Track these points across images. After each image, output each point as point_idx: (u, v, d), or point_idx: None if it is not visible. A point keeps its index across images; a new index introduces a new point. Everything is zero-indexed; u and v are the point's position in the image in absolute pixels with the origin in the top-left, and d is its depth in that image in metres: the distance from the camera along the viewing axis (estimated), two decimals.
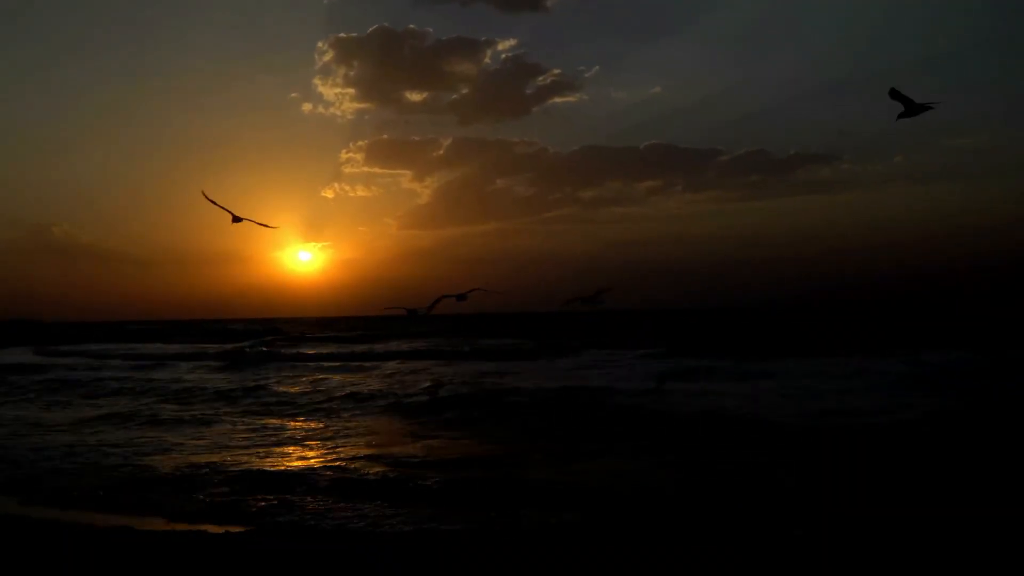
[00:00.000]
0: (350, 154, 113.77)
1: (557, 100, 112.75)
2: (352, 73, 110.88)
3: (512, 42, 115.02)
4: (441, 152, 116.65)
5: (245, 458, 12.31)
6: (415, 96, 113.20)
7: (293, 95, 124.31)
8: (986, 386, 18.86)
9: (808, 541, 7.55)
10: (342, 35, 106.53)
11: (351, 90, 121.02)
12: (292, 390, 22.66)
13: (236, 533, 8.20)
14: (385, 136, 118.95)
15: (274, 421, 16.73)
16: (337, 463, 11.79)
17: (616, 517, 8.67)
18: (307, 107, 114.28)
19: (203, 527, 8.44)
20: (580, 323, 62.81)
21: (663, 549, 7.06)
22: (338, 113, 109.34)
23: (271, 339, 57.05)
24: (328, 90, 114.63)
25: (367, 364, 32.86)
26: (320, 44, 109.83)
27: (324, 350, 44.02)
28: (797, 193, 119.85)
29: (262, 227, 8.97)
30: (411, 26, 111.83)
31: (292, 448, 13.43)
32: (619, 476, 10.70)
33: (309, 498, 9.65)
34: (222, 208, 9.09)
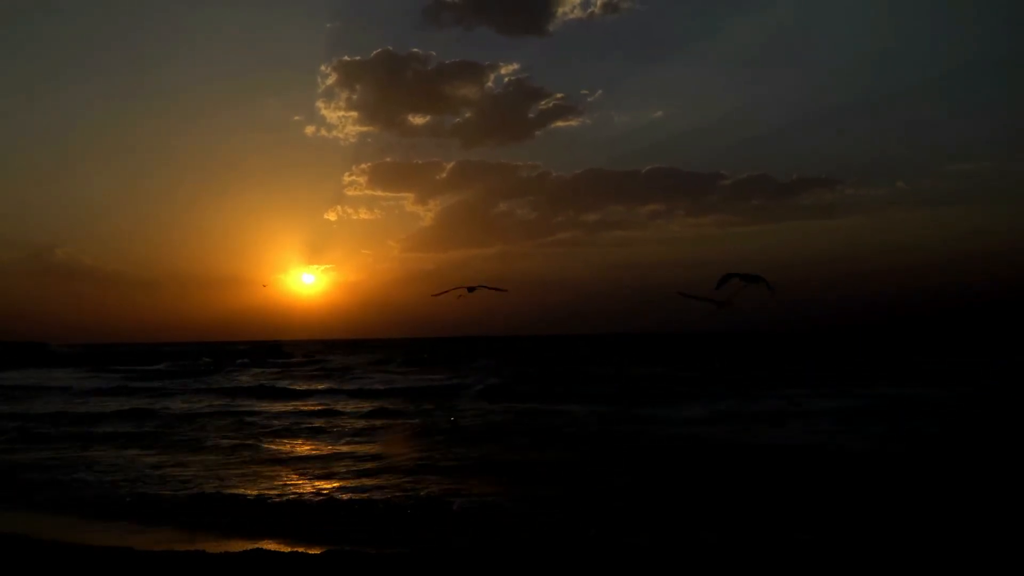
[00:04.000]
0: (353, 177, 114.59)
1: (560, 124, 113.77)
2: (355, 96, 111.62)
3: (515, 66, 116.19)
4: (444, 175, 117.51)
5: None
6: (418, 119, 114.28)
7: (296, 118, 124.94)
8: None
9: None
10: (345, 58, 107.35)
11: (354, 113, 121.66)
12: None
13: None
14: (388, 159, 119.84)
15: None
16: None
17: None
18: (310, 130, 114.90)
19: None
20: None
21: None
22: (341, 136, 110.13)
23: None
24: (331, 113, 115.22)
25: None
26: (323, 67, 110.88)
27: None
28: (800, 217, 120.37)
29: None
30: (414, 50, 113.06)
31: None
32: None
33: None
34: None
